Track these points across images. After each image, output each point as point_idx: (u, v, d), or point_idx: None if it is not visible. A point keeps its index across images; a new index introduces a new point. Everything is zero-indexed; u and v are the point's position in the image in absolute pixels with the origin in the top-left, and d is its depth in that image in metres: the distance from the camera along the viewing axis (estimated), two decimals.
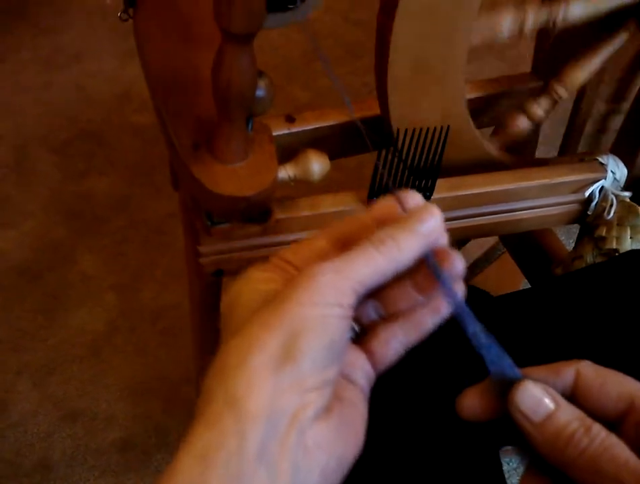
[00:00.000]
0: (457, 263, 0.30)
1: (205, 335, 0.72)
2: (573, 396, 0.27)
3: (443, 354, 0.46)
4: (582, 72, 0.55)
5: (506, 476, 0.88)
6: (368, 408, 0.29)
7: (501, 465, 0.47)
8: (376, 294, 0.31)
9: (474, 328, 0.28)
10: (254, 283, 0.29)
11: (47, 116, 1.31)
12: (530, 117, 0.58)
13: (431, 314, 0.30)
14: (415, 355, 0.31)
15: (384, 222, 0.29)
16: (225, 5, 0.37)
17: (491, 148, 0.59)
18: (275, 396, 0.25)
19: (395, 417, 0.45)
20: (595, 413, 0.26)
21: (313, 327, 0.26)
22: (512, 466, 0.89)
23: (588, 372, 0.27)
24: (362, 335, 0.31)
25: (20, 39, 1.45)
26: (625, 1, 0.53)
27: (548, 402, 0.26)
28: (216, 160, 0.46)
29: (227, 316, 0.29)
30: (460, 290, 0.30)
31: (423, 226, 0.29)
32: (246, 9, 0.37)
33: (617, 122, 0.65)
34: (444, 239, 0.30)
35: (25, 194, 1.19)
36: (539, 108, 0.57)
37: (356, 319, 0.29)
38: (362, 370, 0.30)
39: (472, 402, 0.28)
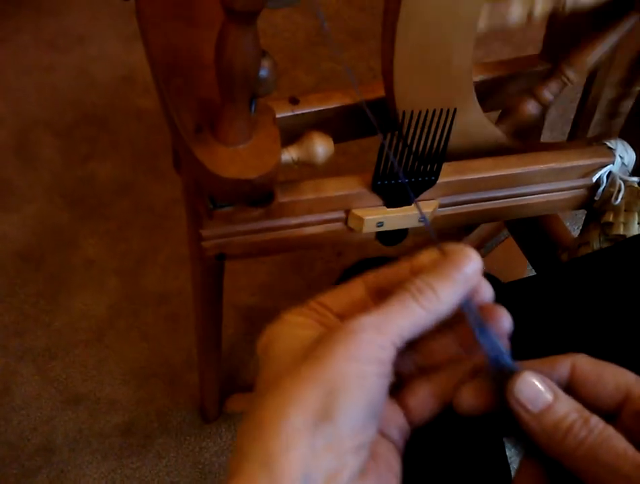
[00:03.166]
0: (504, 320, 0.29)
1: (207, 320, 0.72)
2: (568, 388, 0.26)
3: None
4: (593, 55, 0.54)
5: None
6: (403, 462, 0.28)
7: (504, 449, 0.46)
8: (414, 344, 0.30)
9: (474, 320, 0.28)
10: (291, 327, 0.29)
11: (49, 100, 1.30)
12: (539, 101, 0.57)
13: (471, 371, 0.29)
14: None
15: (422, 269, 0.28)
16: None
17: (498, 132, 0.58)
18: (311, 457, 0.24)
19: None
20: (591, 405, 0.26)
21: (353, 385, 0.25)
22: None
23: (584, 364, 0.27)
24: (399, 388, 0.29)
25: (22, 22, 1.44)
26: None
27: (546, 394, 0.25)
28: (218, 142, 0.45)
29: (264, 360, 0.28)
30: (506, 347, 0.28)
31: (461, 272, 0.28)
32: None
33: (627, 106, 0.64)
34: (489, 292, 0.29)
35: (27, 178, 1.18)
36: (548, 92, 0.56)
37: (394, 370, 0.28)
38: (398, 426, 0.29)
39: (468, 395, 0.27)
